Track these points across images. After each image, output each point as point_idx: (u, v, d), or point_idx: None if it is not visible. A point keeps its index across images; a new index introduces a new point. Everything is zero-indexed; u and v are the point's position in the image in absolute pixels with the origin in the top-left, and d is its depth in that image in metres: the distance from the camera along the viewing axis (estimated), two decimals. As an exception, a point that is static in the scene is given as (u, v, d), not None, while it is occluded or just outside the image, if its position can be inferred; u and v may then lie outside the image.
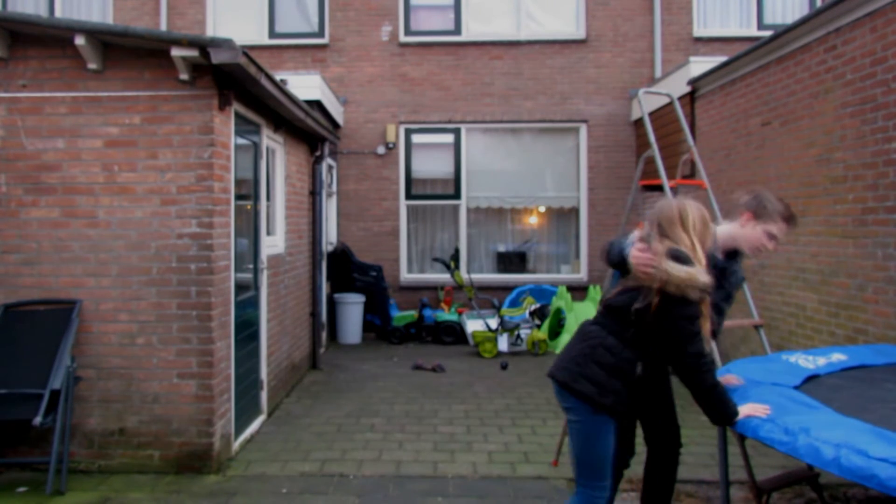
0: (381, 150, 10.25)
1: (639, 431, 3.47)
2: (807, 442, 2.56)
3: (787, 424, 2.68)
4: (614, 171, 10.15)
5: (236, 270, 5.09)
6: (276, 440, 5.31)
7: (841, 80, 5.30)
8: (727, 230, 3.20)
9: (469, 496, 4.26)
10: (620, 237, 2.97)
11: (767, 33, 7.58)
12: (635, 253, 2.78)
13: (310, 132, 7.29)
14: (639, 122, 9.95)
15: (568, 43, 10.20)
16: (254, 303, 5.68)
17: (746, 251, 3.20)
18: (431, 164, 10.45)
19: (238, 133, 5.13)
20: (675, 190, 4.69)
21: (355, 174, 10.28)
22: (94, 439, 4.63)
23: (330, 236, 9.69)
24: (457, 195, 10.33)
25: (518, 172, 10.36)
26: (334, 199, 10.03)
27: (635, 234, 2.92)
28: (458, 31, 10.31)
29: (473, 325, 8.95)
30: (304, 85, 8.14)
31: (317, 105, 8.36)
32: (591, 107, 10.18)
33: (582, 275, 10.19)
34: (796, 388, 3.17)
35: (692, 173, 7.15)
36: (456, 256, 9.66)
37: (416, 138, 10.39)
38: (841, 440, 2.48)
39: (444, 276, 10.00)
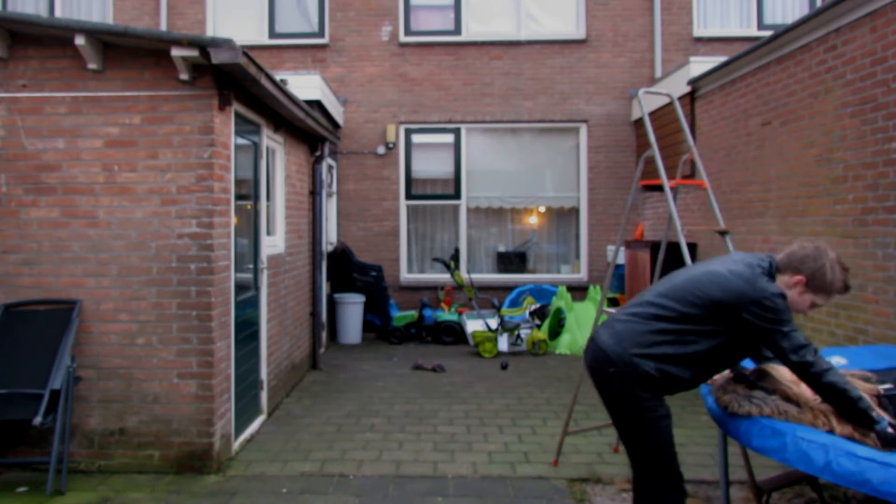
0: (381, 150, 10.25)
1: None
2: (795, 445, 2.56)
3: (776, 426, 2.69)
4: (614, 171, 10.16)
5: (236, 270, 5.09)
6: (276, 440, 5.31)
7: (841, 80, 5.30)
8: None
9: (469, 496, 4.26)
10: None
11: (767, 33, 7.59)
12: None
13: (310, 132, 7.29)
14: (639, 122, 9.95)
15: (568, 43, 10.21)
16: (254, 303, 5.68)
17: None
18: (431, 164, 10.45)
19: (238, 133, 5.13)
20: (675, 190, 4.68)
21: (355, 174, 10.28)
22: (94, 439, 4.63)
23: (330, 236, 9.69)
24: (457, 195, 10.33)
25: (518, 172, 10.36)
26: (334, 199, 10.04)
27: None
28: (458, 31, 10.31)
29: (473, 325, 8.95)
30: (304, 85, 8.14)
31: (317, 105, 8.37)
32: (591, 107, 10.18)
33: (582, 275, 10.19)
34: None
35: (692, 173, 7.16)
36: (456, 256, 9.66)
37: (416, 138, 10.39)
38: (828, 440, 2.48)
39: (444, 276, 10.00)
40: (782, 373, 2.89)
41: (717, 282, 2.80)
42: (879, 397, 2.86)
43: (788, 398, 2.79)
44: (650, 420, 2.85)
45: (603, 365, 2.92)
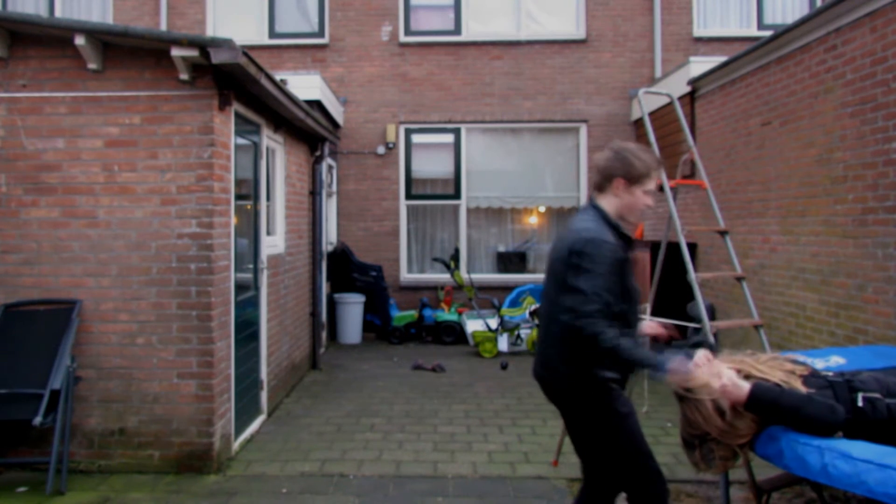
0: (381, 150, 10.25)
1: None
2: (791, 449, 2.57)
3: (770, 432, 2.70)
4: (614, 171, 10.13)
5: (236, 270, 5.09)
6: (276, 440, 5.31)
7: (841, 80, 5.30)
8: (611, 207, 2.83)
9: (469, 496, 4.26)
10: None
11: (767, 33, 7.59)
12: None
13: (310, 132, 7.29)
14: (639, 122, 9.95)
15: (568, 43, 10.20)
16: (254, 303, 5.68)
17: (632, 217, 2.85)
18: (431, 164, 10.45)
19: (238, 133, 5.13)
20: (675, 190, 4.69)
21: (355, 174, 10.28)
22: (94, 439, 4.63)
23: (330, 236, 9.69)
24: (457, 195, 10.33)
25: (518, 172, 10.36)
26: (334, 199, 10.03)
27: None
28: (458, 31, 10.31)
29: (473, 325, 8.95)
30: (304, 85, 8.14)
31: (317, 105, 8.36)
32: (591, 107, 10.18)
33: (582, 275, 10.16)
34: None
35: (692, 173, 7.15)
36: (456, 256, 9.65)
37: (416, 138, 10.39)
38: (822, 442, 2.48)
39: (444, 276, 10.00)
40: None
41: (558, 256, 2.76)
42: (806, 377, 2.88)
43: (717, 408, 2.83)
44: (616, 425, 2.74)
45: (554, 394, 2.86)
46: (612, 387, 2.74)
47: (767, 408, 2.69)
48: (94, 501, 4.18)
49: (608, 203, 2.83)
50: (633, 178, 2.75)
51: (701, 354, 2.79)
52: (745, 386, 2.72)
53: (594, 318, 2.56)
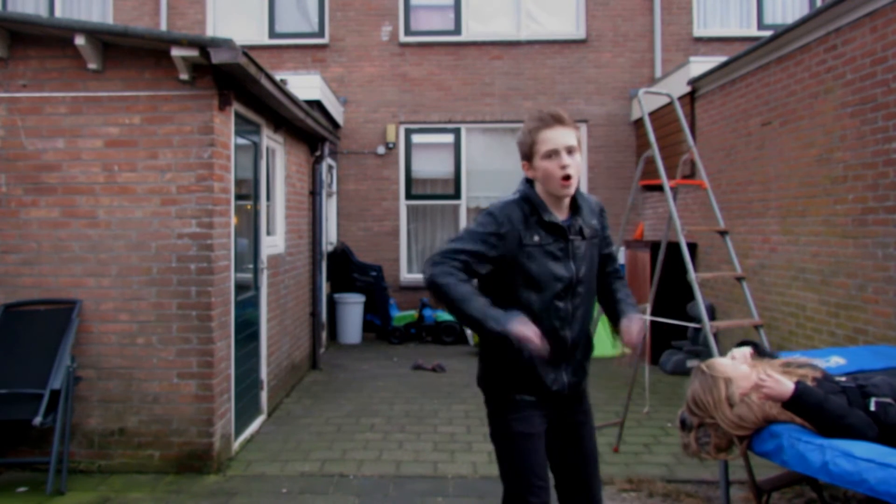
0: (381, 150, 10.25)
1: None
2: (792, 446, 2.57)
3: (772, 429, 2.70)
4: (614, 171, 10.15)
5: (236, 270, 5.09)
6: (276, 440, 5.31)
7: (841, 80, 5.30)
8: (539, 188, 2.70)
9: (469, 496, 4.26)
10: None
11: (767, 33, 7.59)
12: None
13: (310, 132, 7.30)
14: (639, 122, 9.95)
15: (568, 43, 10.20)
16: (254, 303, 5.68)
17: (560, 190, 2.61)
18: (431, 164, 10.45)
19: (238, 133, 5.13)
20: (675, 190, 4.69)
21: (355, 174, 10.28)
22: (94, 439, 4.63)
23: (330, 236, 9.69)
24: (457, 195, 10.33)
25: (518, 172, 10.13)
26: (334, 199, 10.04)
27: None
28: (458, 31, 10.31)
29: (473, 325, 8.94)
30: (304, 85, 8.13)
31: (317, 105, 8.36)
32: (591, 107, 10.18)
33: (582, 275, 10.16)
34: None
35: (692, 173, 7.15)
36: (456, 256, 9.63)
37: (416, 138, 10.39)
38: (824, 441, 2.49)
39: (444, 276, 9.98)
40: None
41: None
42: (819, 381, 2.87)
43: (725, 400, 2.85)
44: (501, 443, 2.52)
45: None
46: (517, 398, 2.48)
47: (810, 409, 2.67)
48: (94, 501, 4.18)
49: (538, 185, 2.71)
50: (526, 154, 2.65)
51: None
52: (789, 384, 2.72)
53: (442, 264, 2.41)
